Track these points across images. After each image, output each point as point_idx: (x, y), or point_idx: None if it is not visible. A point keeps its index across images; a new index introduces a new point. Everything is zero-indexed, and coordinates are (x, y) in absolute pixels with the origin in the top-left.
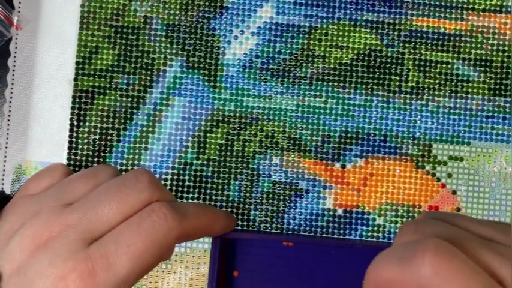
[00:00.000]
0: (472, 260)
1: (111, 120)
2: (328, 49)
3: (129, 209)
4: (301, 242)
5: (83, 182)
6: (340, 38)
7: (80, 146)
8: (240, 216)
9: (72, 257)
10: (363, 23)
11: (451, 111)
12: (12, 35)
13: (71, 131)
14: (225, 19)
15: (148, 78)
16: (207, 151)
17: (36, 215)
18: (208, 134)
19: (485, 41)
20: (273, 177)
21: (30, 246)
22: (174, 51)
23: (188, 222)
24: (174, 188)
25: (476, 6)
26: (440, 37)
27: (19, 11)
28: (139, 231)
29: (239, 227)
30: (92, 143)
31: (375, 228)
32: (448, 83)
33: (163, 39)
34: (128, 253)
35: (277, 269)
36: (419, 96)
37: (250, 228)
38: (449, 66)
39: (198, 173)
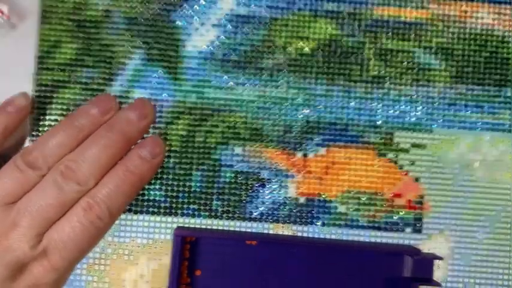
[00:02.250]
0: None
1: None
2: (289, 40)
3: (68, 203)
4: (265, 241)
5: (14, 179)
6: (300, 29)
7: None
8: (202, 207)
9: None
10: (323, 13)
11: (413, 98)
12: None
13: (31, 124)
14: (185, 11)
15: (109, 71)
16: (168, 142)
17: None
18: (169, 126)
19: (446, 29)
20: (235, 167)
21: None
22: (134, 44)
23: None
24: None
25: None
26: (401, 26)
27: None
28: (81, 226)
29: (201, 216)
30: None
31: (337, 216)
32: (409, 71)
33: (124, 32)
34: (66, 249)
35: (240, 268)
36: (380, 85)
37: (213, 219)
38: (411, 54)
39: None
